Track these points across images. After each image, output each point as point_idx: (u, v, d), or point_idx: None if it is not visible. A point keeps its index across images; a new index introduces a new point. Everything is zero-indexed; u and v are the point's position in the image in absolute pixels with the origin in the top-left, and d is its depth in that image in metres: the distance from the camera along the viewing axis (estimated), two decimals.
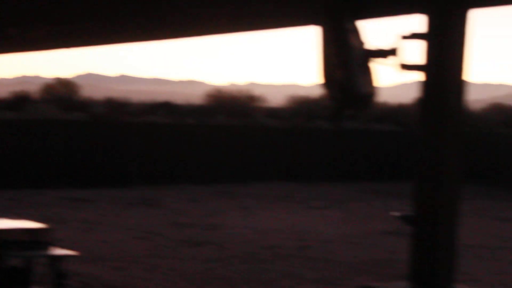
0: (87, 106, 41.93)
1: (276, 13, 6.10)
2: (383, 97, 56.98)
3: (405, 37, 4.97)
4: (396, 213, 16.76)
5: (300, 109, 46.40)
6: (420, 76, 4.89)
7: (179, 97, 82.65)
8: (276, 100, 69.37)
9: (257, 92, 50.79)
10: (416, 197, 5.33)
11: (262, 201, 21.60)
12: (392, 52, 5.01)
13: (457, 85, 4.85)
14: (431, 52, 4.80)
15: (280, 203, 21.51)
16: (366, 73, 5.06)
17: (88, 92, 51.21)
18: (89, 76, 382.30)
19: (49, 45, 9.68)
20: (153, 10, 7.19)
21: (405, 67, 4.99)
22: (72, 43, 9.21)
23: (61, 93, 44.63)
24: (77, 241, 13.70)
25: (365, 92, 5.01)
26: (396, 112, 45.87)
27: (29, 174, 23.11)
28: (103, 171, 24.42)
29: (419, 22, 4.91)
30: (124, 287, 10.47)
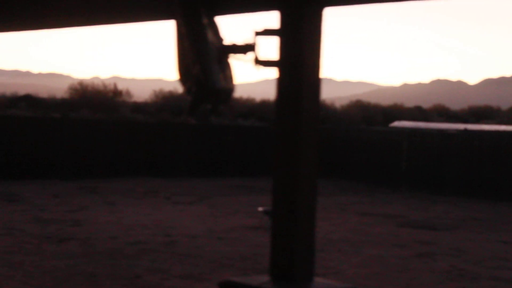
0: None
1: (134, 6, 6.08)
2: (248, 93, 57.57)
3: (258, 33, 5.03)
4: (261, 208, 17.13)
5: (166, 104, 46.28)
6: (275, 72, 4.97)
7: (41, 90, 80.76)
8: (141, 94, 68.95)
9: (121, 86, 50.21)
10: (274, 192, 5.42)
11: (127, 197, 21.41)
12: (249, 48, 5.07)
13: (311, 81, 4.96)
14: (284, 48, 4.88)
15: (146, 198, 21.40)
16: (223, 68, 5.10)
17: None
18: None
19: None
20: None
21: (260, 63, 5.05)
22: None
23: None
24: None
25: (222, 87, 5.05)
26: (260, 108, 46.50)
27: None
28: None
29: (275, 18, 5.01)
30: None
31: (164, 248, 13.50)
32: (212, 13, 5.05)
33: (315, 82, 4.96)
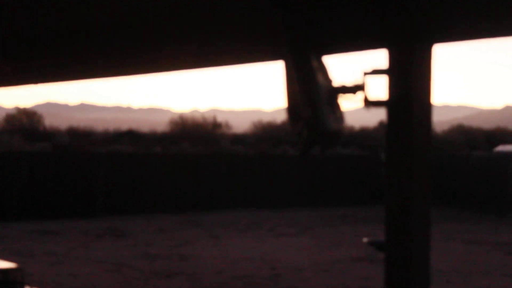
0: (50, 136, 41.67)
1: (240, 50, 6.14)
2: (346, 121, 57.32)
3: (367, 73, 5.01)
4: (366, 239, 16.90)
5: (265, 135, 46.55)
6: (385, 111, 4.93)
7: (142, 124, 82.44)
8: (240, 126, 69.54)
9: (220, 118, 50.81)
10: (387, 223, 5.33)
11: (230, 230, 21.56)
12: (358, 88, 5.04)
13: (422, 119, 4.90)
14: (393, 87, 4.85)
15: (249, 231, 21.49)
16: (334, 110, 5.08)
17: (49, 121, 50.84)
18: (49, 105, 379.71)
19: (14, 82, 9.63)
20: (118, 46, 7.22)
21: (370, 103, 5.02)
22: (37, 79, 9.16)
23: (23, 123, 44.30)
24: (46, 276, 13.59)
25: (333, 129, 5.02)
26: (360, 136, 46.23)
27: None
28: (69, 202, 24.24)
29: (384, 57, 4.97)
30: None
31: (270, 282, 13.52)
32: (321, 54, 5.05)
33: (426, 119, 4.90)
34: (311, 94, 4.81)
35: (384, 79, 4.93)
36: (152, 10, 6.49)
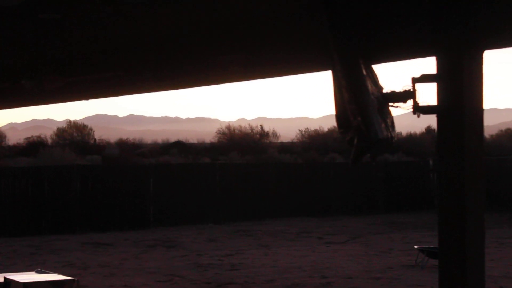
0: (101, 149, 42.15)
1: (290, 60, 6.20)
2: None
3: (416, 80, 5.02)
4: (417, 246, 16.90)
5: (312, 143, 46.50)
6: (436, 117, 4.93)
7: (190, 135, 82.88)
8: (287, 134, 69.51)
9: (267, 127, 50.87)
10: (441, 230, 5.32)
11: (280, 238, 21.61)
12: (408, 95, 5.05)
13: (473, 125, 4.91)
14: (443, 94, 4.85)
15: (299, 239, 21.51)
16: (384, 117, 5.09)
17: (99, 134, 51.39)
18: (98, 117, 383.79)
19: (65, 97, 9.80)
20: (168, 59, 7.34)
21: (420, 109, 5.02)
22: (87, 94, 9.32)
23: (74, 136, 44.86)
24: (100, 287, 13.76)
25: (384, 137, 5.04)
26: (407, 142, 45.89)
27: (48, 220, 23.22)
28: (120, 214, 24.51)
29: (433, 63, 4.98)
30: None
31: None
32: (370, 62, 5.09)
33: (477, 125, 4.91)
34: (361, 102, 4.85)
35: (433, 86, 4.96)
36: (201, 23, 6.59)
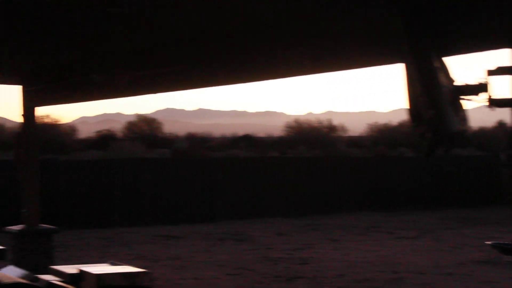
0: (170, 142, 42.55)
1: (361, 53, 6.14)
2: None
3: (491, 72, 4.89)
4: (490, 242, 16.53)
5: (381, 136, 46.12)
6: (510, 111, 4.81)
7: (258, 129, 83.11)
8: (355, 128, 69.13)
9: (335, 120, 50.63)
10: None
11: (350, 233, 21.48)
12: (481, 87, 4.93)
13: None
14: None
15: (368, 234, 21.36)
16: (457, 110, 4.99)
17: (168, 127, 51.91)
18: (168, 111, 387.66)
19: (135, 91, 9.90)
20: (238, 53, 7.34)
21: (495, 102, 4.89)
22: (156, 88, 9.40)
23: (143, 130, 45.35)
24: (170, 280, 13.88)
25: (457, 130, 4.93)
26: (478, 136, 45.17)
27: (119, 213, 23.54)
28: (189, 207, 24.71)
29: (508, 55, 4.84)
30: None
31: (391, 285, 13.40)
32: (442, 54, 5.00)
33: None
34: (434, 95, 4.76)
35: (509, 78, 4.84)
36: (272, 16, 6.57)
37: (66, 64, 10.03)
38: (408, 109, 5.11)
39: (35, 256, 11.35)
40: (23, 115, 11.85)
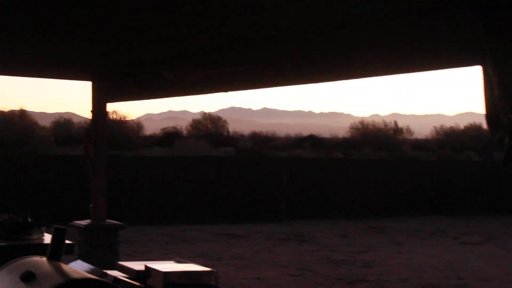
0: (235, 141, 42.68)
1: (438, 54, 6.00)
2: None
3: None
4: None
5: (447, 140, 45.56)
6: None
7: (323, 129, 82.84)
8: (421, 131, 68.38)
9: (400, 123, 50.19)
10: None
11: (414, 237, 21.23)
12: None
13: None
14: None
15: (433, 238, 21.07)
16: None
17: (232, 126, 52.08)
18: (233, 110, 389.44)
19: (205, 89, 9.87)
20: (310, 52, 7.26)
21: None
22: (226, 87, 9.36)
23: (208, 128, 45.59)
24: (233, 279, 13.89)
25: None
26: None
27: (182, 210, 23.66)
28: (253, 206, 24.71)
29: None
30: None
31: None
32: None
33: None
34: None
35: None
36: (346, 17, 6.49)
37: (137, 61, 10.09)
38: (486, 113, 4.96)
39: (100, 251, 11.45)
40: (92, 111, 11.97)
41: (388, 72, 6.56)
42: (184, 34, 7.83)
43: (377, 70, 6.56)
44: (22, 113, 39.85)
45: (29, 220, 7.93)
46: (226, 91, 9.73)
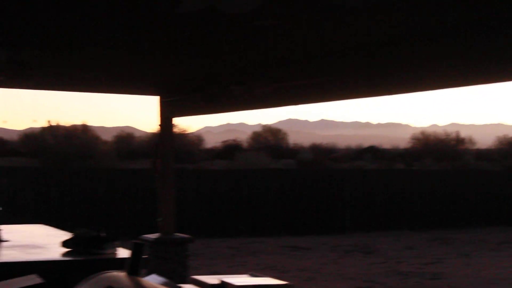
0: (295, 153, 42.58)
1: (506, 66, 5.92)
2: None
3: None
4: None
5: (511, 150, 44.79)
6: None
7: (382, 140, 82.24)
8: (482, 141, 67.40)
9: (461, 133, 49.56)
10: None
11: (481, 248, 20.92)
12: None
13: None
14: None
15: (502, 249, 20.73)
16: None
17: (292, 138, 51.96)
18: (291, 121, 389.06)
19: (273, 102, 9.86)
20: (382, 64, 7.21)
21: None
22: (293, 100, 9.34)
23: (269, 140, 45.58)
24: None
25: None
26: None
27: (246, 222, 23.69)
28: (317, 218, 24.63)
29: None
30: None
31: None
32: None
33: None
34: None
35: None
36: (420, 27, 6.43)
37: (204, 75, 10.14)
38: None
39: (170, 265, 11.51)
40: (160, 125, 12.07)
41: (462, 83, 6.48)
42: (252, 48, 7.85)
43: (451, 81, 6.49)
44: (85, 128, 40.37)
45: (102, 234, 8.01)
46: (295, 104, 9.71)
